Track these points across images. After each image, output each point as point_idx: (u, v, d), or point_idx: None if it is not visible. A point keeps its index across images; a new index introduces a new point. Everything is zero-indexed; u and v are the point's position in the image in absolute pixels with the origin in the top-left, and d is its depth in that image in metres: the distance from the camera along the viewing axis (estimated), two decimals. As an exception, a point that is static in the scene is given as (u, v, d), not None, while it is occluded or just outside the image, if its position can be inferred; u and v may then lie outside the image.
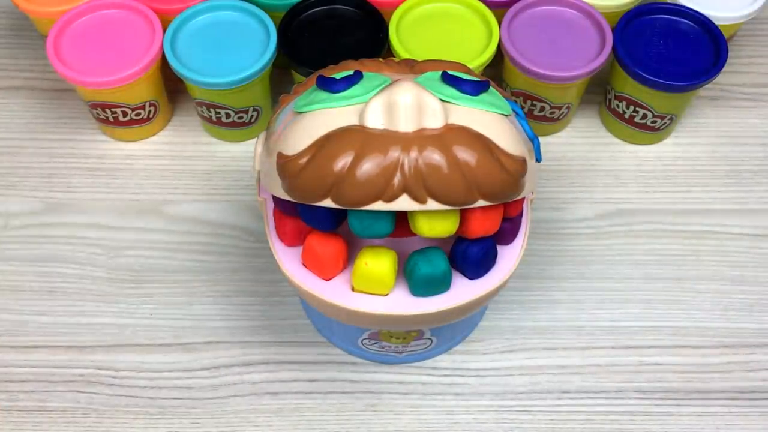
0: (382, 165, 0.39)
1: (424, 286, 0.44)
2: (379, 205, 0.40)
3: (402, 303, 0.45)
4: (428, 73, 0.44)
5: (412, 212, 0.42)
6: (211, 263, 0.59)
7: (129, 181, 0.62)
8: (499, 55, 0.60)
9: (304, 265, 0.45)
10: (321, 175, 0.40)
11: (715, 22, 0.61)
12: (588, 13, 0.61)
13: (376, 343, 0.52)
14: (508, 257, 0.46)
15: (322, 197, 0.40)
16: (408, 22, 0.61)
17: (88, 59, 0.59)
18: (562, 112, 0.63)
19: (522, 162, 0.42)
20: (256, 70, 0.58)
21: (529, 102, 0.62)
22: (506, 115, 0.43)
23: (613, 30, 0.60)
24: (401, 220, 0.43)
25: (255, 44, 0.59)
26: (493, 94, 0.44)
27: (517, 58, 0.58)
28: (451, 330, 0.52)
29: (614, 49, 0.59)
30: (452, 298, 0.45)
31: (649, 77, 0.58)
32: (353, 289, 0.45)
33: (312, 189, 0.41)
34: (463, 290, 0.45)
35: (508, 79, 0.62)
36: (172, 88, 0.64)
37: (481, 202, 0.41)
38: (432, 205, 0.40)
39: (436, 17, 0.61)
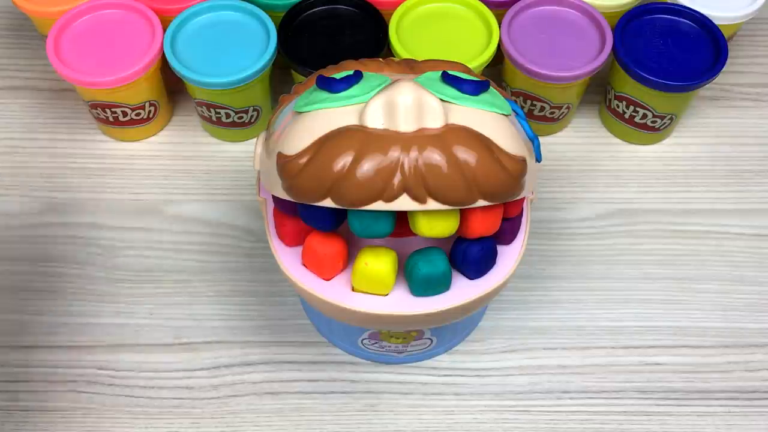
0: (382, 165, 0.39)
1: (424, 286, 0.44)
2: (379, 205, 0.40)
3: (402, 303, 0.45)
4: (428, 73, 0.44)
5: (412, 212, 0.42)
6: (211, 263, 0.59)
7: (129, 181, 0.62)
8: (499, 55, 0.60)
9: (304, 265, 0.45)
10: (321, 175, 0.40)
11: (715, 22, 0.60)
12: (588, 13, 0.61)
13: (376, 343, 0.52)
14: (508, 257, 0.46)
15: (322, 197, 0.40)
16: (408, 22, 0.61)
17: (88, 59, 0.59)
18: (562, 112, 0.63)
19: (522, 162, 0.42)
20: (256, 70, 0.58)
21: (529, 102, 0.62)
22: (506, 115, 0.43)
23: (613, 30, 0.60)
24: (401, 220, 0.43)
25: (255, 44, 0.59)
26: (493, 94, 0.44)
27: (517, 58, 0.58)
28: (451, 330, 0.52)
29: (614, 49, 0.59)
30: (452, 298, 0.45)
31: (649, 77, 0.58)
32: (353, 289, 0.45)
33: (312, 189, 0.41)
34: (463, 290, 0.45)
35: (508, 79, 0.62)
36: (172, 88, 0.64)
37: (481, 202, 0.41)
38: (432, 204, 0.40)
39: (436, 17, 0.61)
